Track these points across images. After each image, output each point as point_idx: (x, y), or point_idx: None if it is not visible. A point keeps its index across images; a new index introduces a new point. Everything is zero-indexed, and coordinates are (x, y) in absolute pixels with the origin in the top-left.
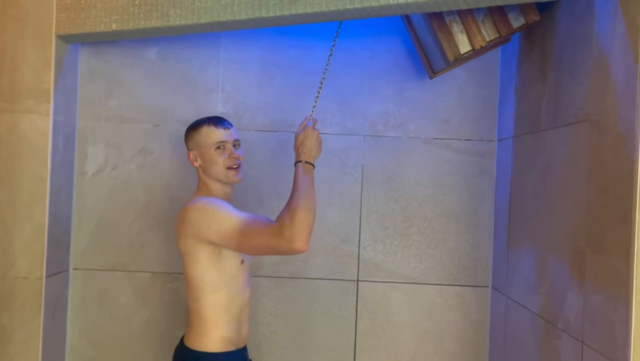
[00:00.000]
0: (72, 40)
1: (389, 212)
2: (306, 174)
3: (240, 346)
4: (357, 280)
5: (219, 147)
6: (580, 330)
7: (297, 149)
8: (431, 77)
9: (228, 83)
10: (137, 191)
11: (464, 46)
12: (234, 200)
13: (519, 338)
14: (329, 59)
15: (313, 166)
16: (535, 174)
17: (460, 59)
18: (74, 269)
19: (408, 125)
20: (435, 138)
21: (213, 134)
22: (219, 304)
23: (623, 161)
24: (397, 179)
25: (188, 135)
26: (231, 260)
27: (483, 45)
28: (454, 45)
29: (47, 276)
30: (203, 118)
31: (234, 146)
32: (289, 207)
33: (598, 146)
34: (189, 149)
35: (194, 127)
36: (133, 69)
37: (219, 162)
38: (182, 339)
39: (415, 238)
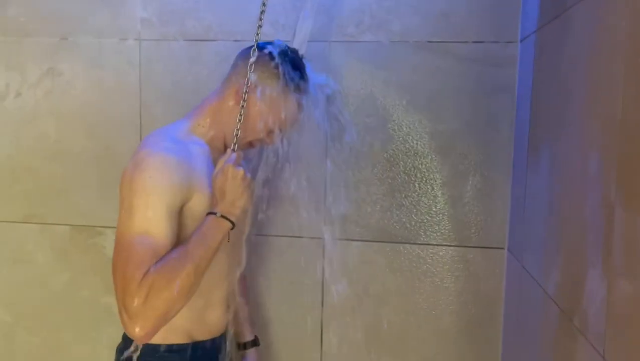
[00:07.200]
0: None
1: (365, 148)
2: (215, 234)
3: (200, 338)
4: (323, 238)
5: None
6: (602, 335)
7: (215, 197)
8: None
9: None
10: (47, 124)
11: None
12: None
13: (532, 326)
14: None
15: (232, 224)
16: (558, 80)
17: None
18: None
19: (391, 24)
20: (429, 42)
21: (296, 114)
22: None
23: None
24: (377, 101)
25: (270, 70)
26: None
27: None
28: None
29: None
30: (305, 79)
31: None
32: (165, 272)
33: None
34: (256, 84)
35: (292, 81)
36: None
37: (262, 132)
38: None
39: (401, 181)
